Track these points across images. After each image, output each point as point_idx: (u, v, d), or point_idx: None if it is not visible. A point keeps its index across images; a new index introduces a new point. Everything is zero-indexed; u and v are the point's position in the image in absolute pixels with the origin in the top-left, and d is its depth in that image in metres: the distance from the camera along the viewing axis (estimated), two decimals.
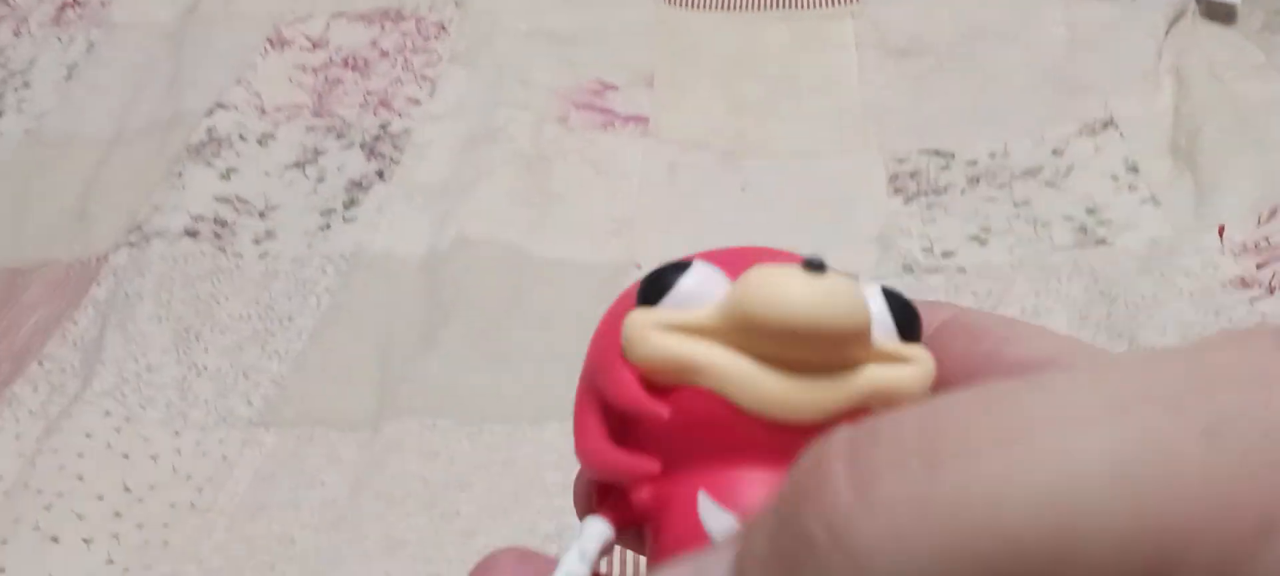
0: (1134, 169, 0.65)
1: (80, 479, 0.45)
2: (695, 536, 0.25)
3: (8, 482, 0.45)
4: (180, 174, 0.65)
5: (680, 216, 0.65)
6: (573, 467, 0.47)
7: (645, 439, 0.26)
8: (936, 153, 0.69)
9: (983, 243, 0.62)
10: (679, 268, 0.26)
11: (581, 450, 0.25)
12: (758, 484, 0.24)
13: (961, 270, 0.61)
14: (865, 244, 0.63)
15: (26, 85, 0.75)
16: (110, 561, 0.41)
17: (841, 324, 0.24)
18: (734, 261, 0.26)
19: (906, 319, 0.25)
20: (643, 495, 0.26)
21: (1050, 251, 0.61)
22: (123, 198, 0.66)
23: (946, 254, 0.62)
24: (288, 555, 0.40)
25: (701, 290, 0.25)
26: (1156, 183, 0.64)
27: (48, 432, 0.48)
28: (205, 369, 0.52)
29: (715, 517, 0.25)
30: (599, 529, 0.26)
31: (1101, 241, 0.61)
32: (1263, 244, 0.57)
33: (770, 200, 0.67)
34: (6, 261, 0.62)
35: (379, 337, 0.54)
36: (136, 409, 0.49)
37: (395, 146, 0.68)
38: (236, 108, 0.70)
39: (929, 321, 0.26)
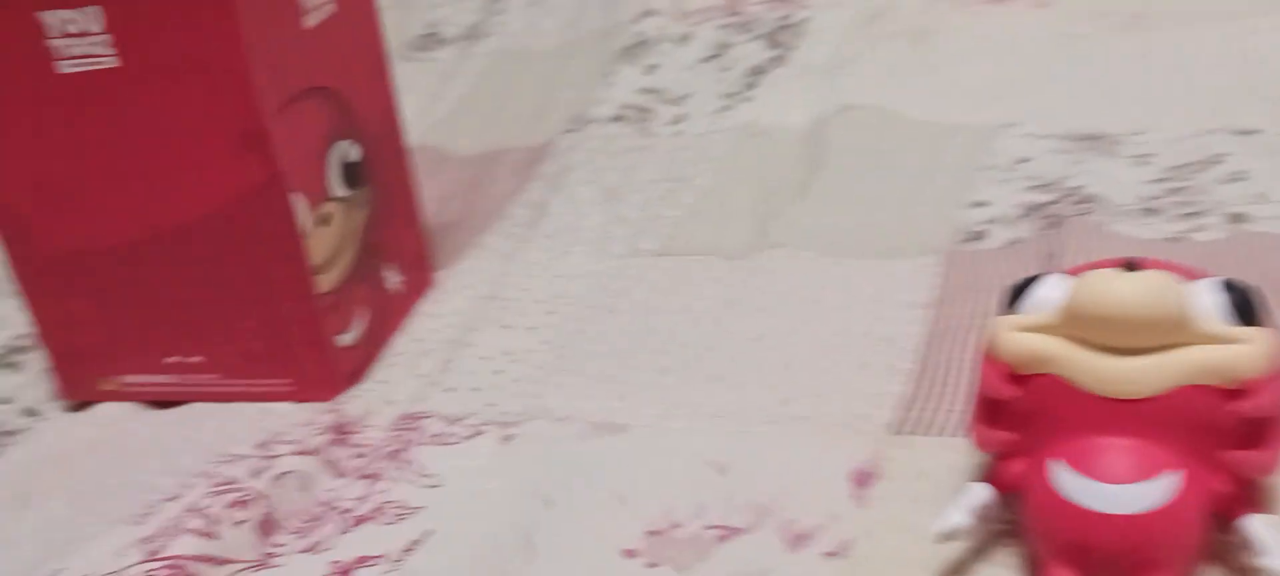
0: None
1: (527, 291, 0.57)
2: (1052, 500, 0.30)
3: (480, 292, 0.58)
4: (611, 74, 0.77)
5: (1066, 83, 0.64)
6: (918, 291, 0.51)
7: (1013, 420, 0.32)
8: None
9: None
10: (1033, 279, 0.32)
11: (970, 431, 0.32)
12: (1106, 451, 0.30)
13: None
14: None
15: (503, 11, 0.91)
16: (545, 341, 0.53)
17: (1155, 312, 0.29)
18: (1080, 269, 0.31)
19: (1244, 304, 0.29)
20: (1012, 468, 0.32)
21: None
22: (568, 95, 0.79)
23: None
24: (674, 342, 0.49)
25: (1052, 295, 0.31)
26: None
27: (504, 260, 0.60)
28: (624, 218, 0.63)
29: (1069, 480, 0.30)
30: (979, 491, 0.33)
31: None
32: None
33: (1172, 72, 0.63)
34: (483, 148, 0.77)
35: (760, 188, 0.61)
36: (571, 245, 0.61)
37: (796, 34, 0.74)
38: (661, 13, 0.81)
39: None
